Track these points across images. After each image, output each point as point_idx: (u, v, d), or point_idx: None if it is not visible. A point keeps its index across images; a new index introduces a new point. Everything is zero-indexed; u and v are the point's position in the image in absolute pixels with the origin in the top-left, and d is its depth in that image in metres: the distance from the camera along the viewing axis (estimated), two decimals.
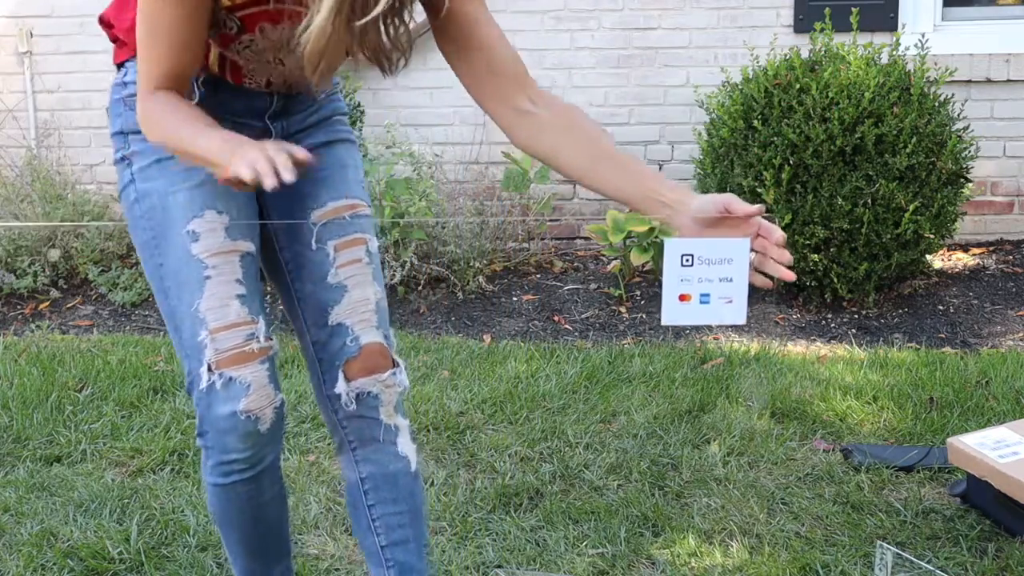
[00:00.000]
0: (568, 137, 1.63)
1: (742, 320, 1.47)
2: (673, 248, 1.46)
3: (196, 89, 1.67)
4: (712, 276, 1.47)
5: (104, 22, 1.78)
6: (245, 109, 1.73)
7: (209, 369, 1.63)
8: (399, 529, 1.82)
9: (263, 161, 1.35)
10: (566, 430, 3.05)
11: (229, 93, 1.71)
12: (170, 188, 1.67)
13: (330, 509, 2.60)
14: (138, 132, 1.65)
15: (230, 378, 1.63)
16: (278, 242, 1.80)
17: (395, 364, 1.79)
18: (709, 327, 3.99)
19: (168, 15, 1.52)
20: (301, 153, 1.39)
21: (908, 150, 3.90)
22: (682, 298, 1.48)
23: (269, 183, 1.33)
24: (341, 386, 1.76)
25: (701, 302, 1.48)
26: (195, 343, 1.65)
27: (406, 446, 1.82)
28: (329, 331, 1.76)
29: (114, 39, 1.77)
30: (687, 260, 1.47)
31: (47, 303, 4.42)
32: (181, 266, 1.65)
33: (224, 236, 1.67)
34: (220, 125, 1.57)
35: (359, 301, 1.77)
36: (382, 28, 1.47)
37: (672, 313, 1.48)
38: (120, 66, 1.75)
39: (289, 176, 1.33)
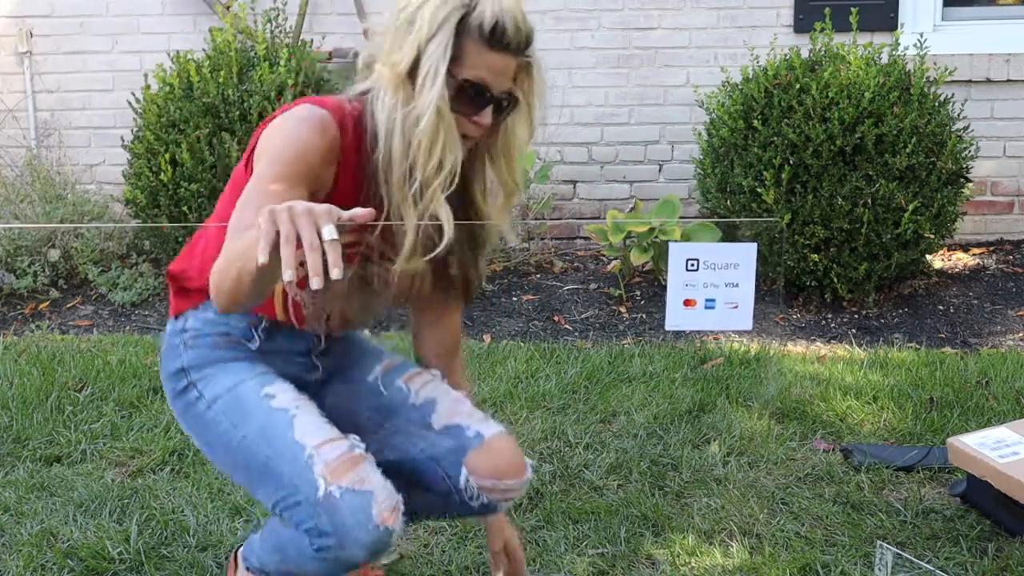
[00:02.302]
0: None
1: (748, 326, 1.47)
2: (678, 252, 1.45)
3: (256, 336, 1.82)
4: (718, 281, 1.46)
5: (173, 275, 1.87)
6: (296, 350, 1.89)
7: (326, 481, 1.63)
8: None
9: (314, 255, 1.31)
10: (566, 430, 3.05)
11: (283, 338, 1.85)
12: (236, 381, 1.78)
13: None
14: (197, 367, 1.80)
15: (352, 490, 1.62)
16: (351, 414, 1.88)
17: (525, 466, 1.86)
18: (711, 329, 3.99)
19: (281, 198, 1.55)
20: (358, 214, 1.37)
21: (908, 150, 3.90)
22: (687, 303, 1.47)
23: (316, 283, 1.31)
24: (464, 480, 1.82)
25: (706, 307, 1.47)
26: (301, 465, 1.65)
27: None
28: (439, 435, 1.84)
29: (178, 290, 1.86)
30: (692, 265, 1.46)
31: (47, 303, 4.42)
32: (266, 422, 1.72)
33: (295, 392, 1.77)
34: (271, 363, 1.81)
35: (455, 401, 1.88)
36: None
37: (676, 318, 1.47)
38: (178, 316, 1.85)
39: (337, 274, 1.31)
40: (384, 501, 1.63)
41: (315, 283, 1.30)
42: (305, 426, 1.69)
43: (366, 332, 2.06)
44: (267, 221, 1.33)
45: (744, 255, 1.44)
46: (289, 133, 1.64)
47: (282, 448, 1.67)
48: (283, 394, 1.75)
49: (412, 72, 1.64)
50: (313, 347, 1.90)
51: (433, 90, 1.61)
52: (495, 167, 1.77)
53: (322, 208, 1.34)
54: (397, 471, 1.78)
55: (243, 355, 1.81)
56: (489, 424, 1.84)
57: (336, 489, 1.61)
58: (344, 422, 1.82)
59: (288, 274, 1.30)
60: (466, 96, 1.65)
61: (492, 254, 4.60)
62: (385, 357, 1.96)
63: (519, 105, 1.72)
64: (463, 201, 1.78)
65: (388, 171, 1.68)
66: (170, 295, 1.88)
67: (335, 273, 1.31)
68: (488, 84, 1.65)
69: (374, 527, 1.61)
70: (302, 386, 1.85)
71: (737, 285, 1.46)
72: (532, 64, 1.71)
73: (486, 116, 1.66)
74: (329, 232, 1.32)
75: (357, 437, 1.72)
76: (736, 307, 1.46)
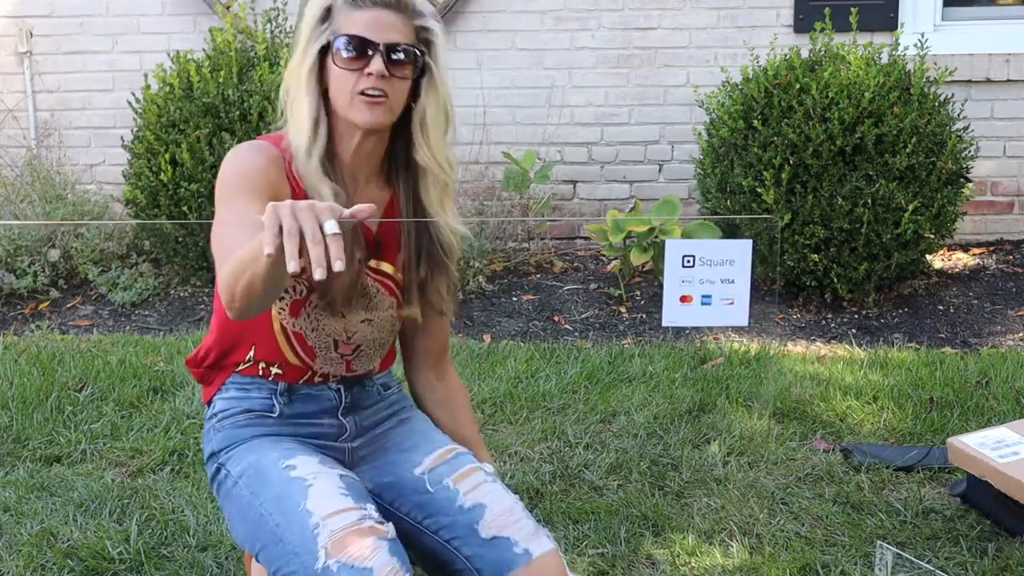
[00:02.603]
0: (442, 410, 2.00)
1: (744, 322, 1.46)
2: (674, 249, 1.45)
3: (276, 403, 1.83)
4: (714, 277, 1.46)
5: (191, 362, 1.90)
6: (319, 411, 1.86)
7: (327, 553, 1.56)
8: None
9: (316, 248, 1.32)
10: (566, 430, 3.05)
11: (303, 401, 1.85)
12: (261, 455, 1.77)
13: None
14: (226, 448, 1.82)
15: (349, 566, 1.54)
16: (390, 504, 1.83)
17: None
18: (709, 327, 3.99)
19: (247, 209, 1.62)
20: (359, 210, 1.39)
21: (908, 150, 3.90)
22: (683, 299, 1.46)
23: (319, 274, 1.31)
24: None
25: (702, 303, 1.47)
26: (307, 535, 1.60)
27: None
28: (485, 544, 1.74)
29: (201, 377, 1.89)
30: (688, 261, 1.46)
31: (47, 303, 4.42)
32: (282, 491, 1.68)
33: (319, 463, 1.74)
34: (298, 430, 1.81)
35: (505, 511, 1.77)
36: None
37: (673, 314, 1.47)
38: (209, 403, 1.89)
39: (340, 266, 1.32)
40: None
41: (318, 274, 1.31)
42: (319, 495, 1.65)
43: (414, 412, 1.97)
44: (271, 216, 1.34)
45: (740, 251, 1.44)
46: (230, 164, 1.72)
47: (292, 516, 1.64)
48: (304, 465, 1.72)
49: (300, 67, 1.76)
50: (336, 405, 1.87)
51: (304, 66, 1.74)
52: (417, 147, 1.78)
53: (324, 204, 1.36)
54: (435, 565, 1.76)
55: (268, 430, 1.83)
56: (539, 540, 1.73)
57: (334, 563, 1.55)
58: (383, 512, 1.78)
59: (292, 265, 1.31)
60: (349, 53, 1.70)
61: (492, 253, 4.60)
62: (436, 447, 1.86)
63: (431, 73, 1.76)
64: (417, 209, 1.82)
65: (294, 159, 1.74)
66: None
67: (337, 265, 1.31)
68: (363, 35, 1.70)
69: None
70: (339, 459, 1.84)
71: (733, 281, 1.46)
72: (431, 30, 1.76)
73: (375, 64, 1.69)
74: (331, 226, 1.33)
75: (374, 507, 1.67)
76: (732, 303, 1.46)
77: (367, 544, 1.57)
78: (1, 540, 2.50)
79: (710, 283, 1.46)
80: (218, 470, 1.83)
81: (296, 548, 1.60)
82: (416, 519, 1.79)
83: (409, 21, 1.73)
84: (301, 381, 1.84)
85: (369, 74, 1.69)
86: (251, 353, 1.83)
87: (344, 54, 1.70)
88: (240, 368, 1.84)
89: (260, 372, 1.83)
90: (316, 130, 1.73)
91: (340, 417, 1.87)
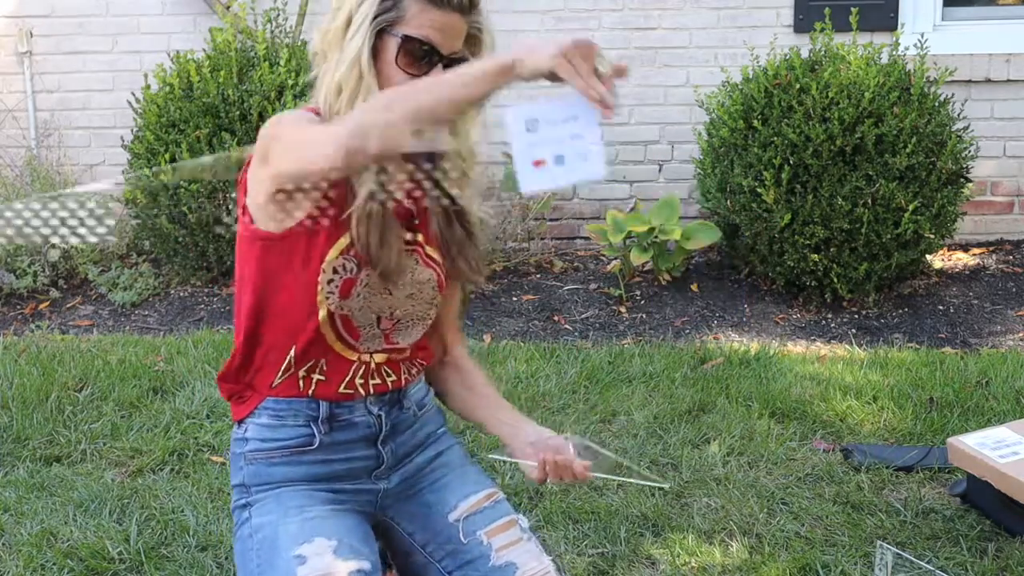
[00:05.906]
0: (458, 389, 1.96)
1: (600, 175, 1.44)
2: (516, 116, 1.43)
3: (316, 431, 1.75)
4: (562, 136, 1.44)
5: (223, 377, 1.82)
6: (357, 439, 1.80)
7: None
8: None
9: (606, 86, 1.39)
10: (566, 430, 3.04)
11: (342, 430, 1.78)
12: (283, 519, 1.71)
13: None
14: (259, 485, 1.76)
15: None
16: (423, 547, 1.81)
17: None
18: (708, 326, 3.99)
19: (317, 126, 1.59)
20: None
21: (908, 150, 3.91)
22: (536, 164, 1.44)
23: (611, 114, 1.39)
24: None
25: (556, 164, 1.45)
26: None
27: None
28: None
29: (231, 395, 1.81)
30: (532, 126, 1.44)
31: (47, 303, 4.42)
32: None
33: (333, 556, 1.67)
34: (335, 465, 1.76)
35: (537, 573, 1.75)
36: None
37: (529, 181, 1.44)
38: (240, 423, 1.81)
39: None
40: None
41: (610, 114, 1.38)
42: None
43: (452, 451, 1.91)
44: (565, 68, 1.38)
45: (580, 106, 1.42)
46: (285, 115, 1.67)
47: None
48: (316, 558, 1.67)
49: (344, 35, 1.66)
50: (376, 432, 1.81)
51: (355, 39, 1.63)
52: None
53: (582, 43, 1.39)
54: None
55: (301, 472, 1.77)
56: None
57: None
58: (416, 555, 1.80)
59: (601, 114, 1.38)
60: (413, 55, 1.64)
61: (492, 253, 4.60)
62: (472, 491, 1.83)
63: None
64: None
65: None
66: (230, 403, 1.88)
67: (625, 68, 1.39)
68: (434, 42, 1.64)
69: None
70: (369, 501, 1.81)
71: (582, 136, 1.44)
72: (483, 32, 1.71)
73: (436, 75, 1.64)
74: (603, 63, 1.39)
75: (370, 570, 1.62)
76: (586, 158, 1.45)
77: None
78: (1, 540, 2.50)
79: (559, 142, 1.44)
80: (243, 508, 1.78)
81: None
82: (447, 568, 1.78)
83: (467, 20, 1.68)
84: (343, 385, 1.76)
85: None
86: (291, 354, 1.73)
87: (410, 56, 1.64)
88: (275, 385, 1.75)
89: (300, 387, 1.75)
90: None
91: (379, 447, 1.81)
